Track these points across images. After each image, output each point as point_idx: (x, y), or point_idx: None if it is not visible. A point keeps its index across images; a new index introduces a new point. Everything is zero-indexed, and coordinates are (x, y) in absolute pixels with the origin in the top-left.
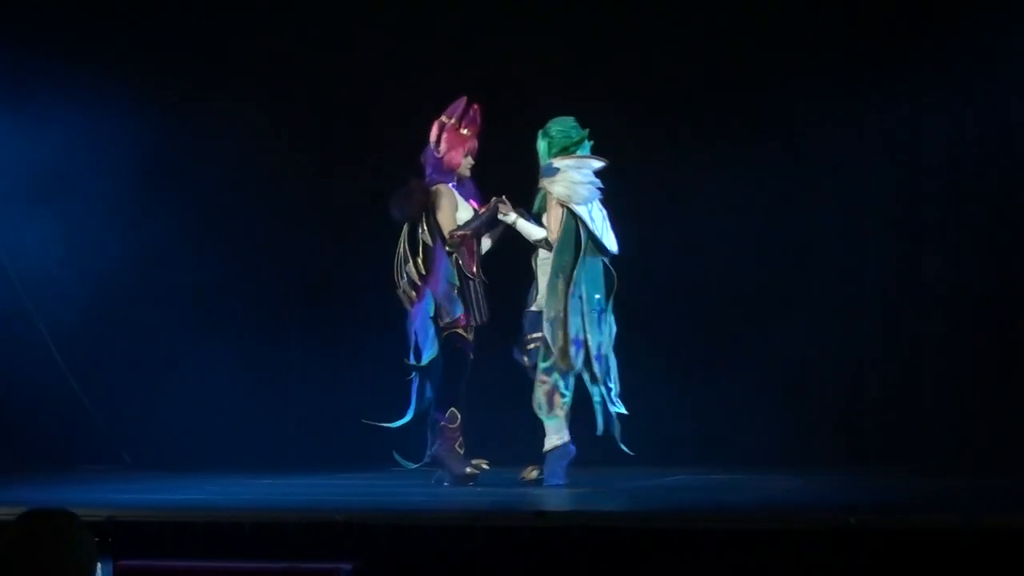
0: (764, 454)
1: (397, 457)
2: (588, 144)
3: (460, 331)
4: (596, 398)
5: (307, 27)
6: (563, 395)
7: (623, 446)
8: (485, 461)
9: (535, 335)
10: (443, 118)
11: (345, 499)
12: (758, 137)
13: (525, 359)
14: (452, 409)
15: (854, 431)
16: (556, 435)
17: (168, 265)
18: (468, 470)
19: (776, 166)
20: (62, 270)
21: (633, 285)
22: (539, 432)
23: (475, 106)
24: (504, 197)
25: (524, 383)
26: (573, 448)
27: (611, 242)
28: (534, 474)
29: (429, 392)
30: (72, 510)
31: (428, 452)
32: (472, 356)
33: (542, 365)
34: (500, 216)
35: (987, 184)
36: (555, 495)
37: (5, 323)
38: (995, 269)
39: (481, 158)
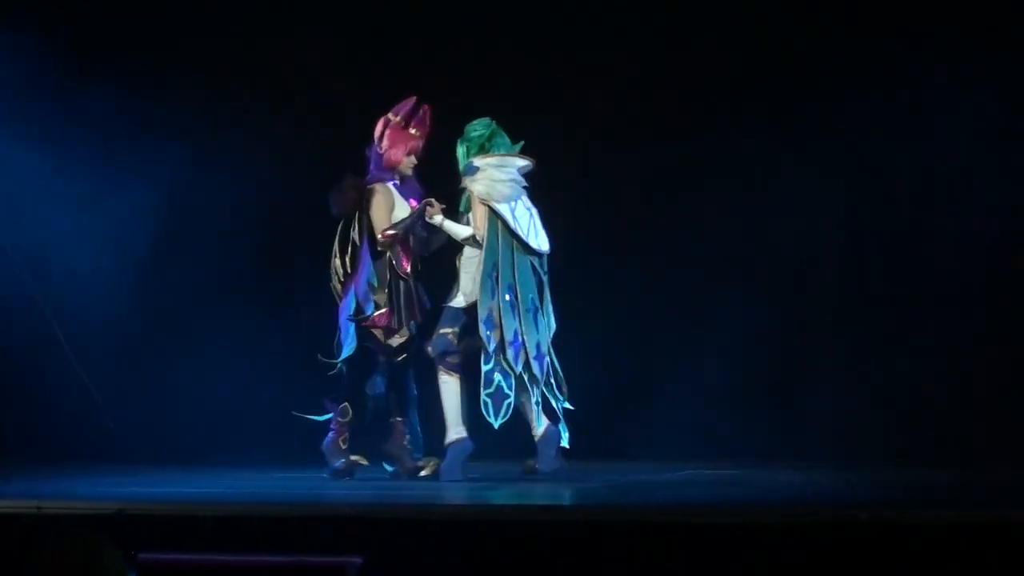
0: (771, 449)
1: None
2: (517, 145)
3: (375, 331)
4: (536, 398)
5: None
6: (507, 395)
7: (566, 444)
8: (363, 457)
9: (444, 330)
10: (389, 115)
11: (354, 493)
12: (753, 138)
13: (429, 349)
14: (345, 404)
15: (862, 426)
16: (455, 430)
17: (173, 258)
18: (342, 464)
19: (772, 168)
20: (69, 264)
21: (633, 276)
22: (522, 427)
23: (425, 107)
24: (432, 199)
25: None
26: (471, 444)
27: (540, 241)
28: (429, 469)
29: (379, 388)
30: (81, 503)
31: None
32: (388, 357)
33: (485, 368)
34: (427, 218)
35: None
36: (563, 490)
37: (14, 315)
38: (999, 262)
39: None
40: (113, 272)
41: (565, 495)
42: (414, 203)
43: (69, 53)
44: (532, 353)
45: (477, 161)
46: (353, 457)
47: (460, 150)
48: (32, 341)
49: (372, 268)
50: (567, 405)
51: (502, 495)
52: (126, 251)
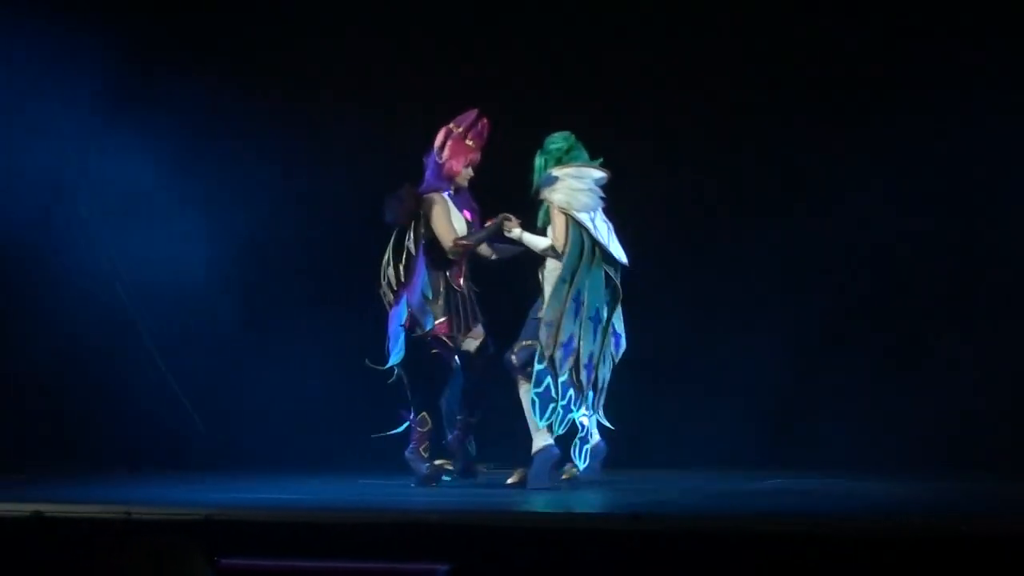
0: (863, 459)
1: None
2: (596, 160)
3: (442, 338)
4: (563, 401)
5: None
6: (554, 399)
7: (579, 460)
8: (448, 462)
9: (527, 342)
10: (451, 126)
11: (441, 500)
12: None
13: (513, 359)
14: (423, 413)
15: (956, 437)
16: (541, 438)
17: (258, 263)
18: (428, 470)
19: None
20: (156, 269)
21: (710, 288)
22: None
23: (484, 120)
24: (509, 214)
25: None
26: (557, 451)
27: (619, 252)
28: (516, 477)
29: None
30: (171, 509)
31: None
32: (467, 360)
33: (537, 367)
34: (505, 232)
35: None
36: (649, 497)
37: (103, 322)
38: None
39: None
40: (200, 278)
41: (651, 503)
42: (468, 215)
43: (157, 60)
44: (583, 361)
45: (555, 171)
46: (438, 462)
47: (538, 162)
48: (121, 347)
49: (427, 279)
50: (603, 420)
51: (587, 503)
52: (211, 257)
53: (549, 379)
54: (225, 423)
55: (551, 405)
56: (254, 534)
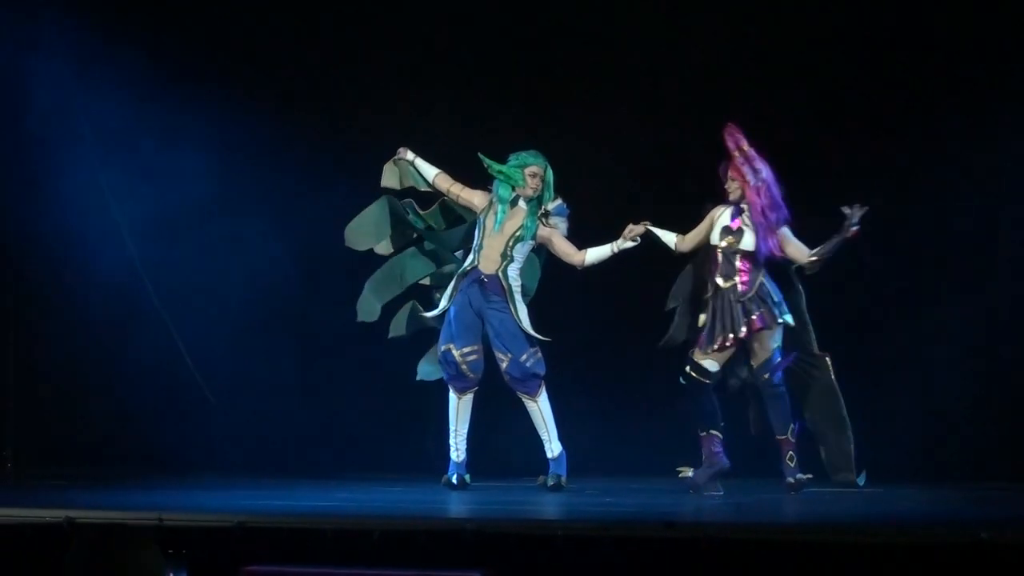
0: (893, 467)
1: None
2: None
3: None
4: None
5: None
6: None
7: None
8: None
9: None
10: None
11: (475, 508)
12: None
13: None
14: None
15: (987, 445)
16: None
17: (297, 271)
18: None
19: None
20: (192, 276)
21: None
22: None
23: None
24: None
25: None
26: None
27: None
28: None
29: None
30: (203, 515)
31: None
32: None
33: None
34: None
35: None
36: (683, 505)
37: (137, 329)
38: None
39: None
40: (236, 284)
41: (688, 511)
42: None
43: (191, 68)
44: None
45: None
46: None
47: (549, 176)
48: (155, 355)
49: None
50: None
51: (621, 510)
52: (248, 259)
53: None
54: (258, 429)
55: None
56: (285, 540)
